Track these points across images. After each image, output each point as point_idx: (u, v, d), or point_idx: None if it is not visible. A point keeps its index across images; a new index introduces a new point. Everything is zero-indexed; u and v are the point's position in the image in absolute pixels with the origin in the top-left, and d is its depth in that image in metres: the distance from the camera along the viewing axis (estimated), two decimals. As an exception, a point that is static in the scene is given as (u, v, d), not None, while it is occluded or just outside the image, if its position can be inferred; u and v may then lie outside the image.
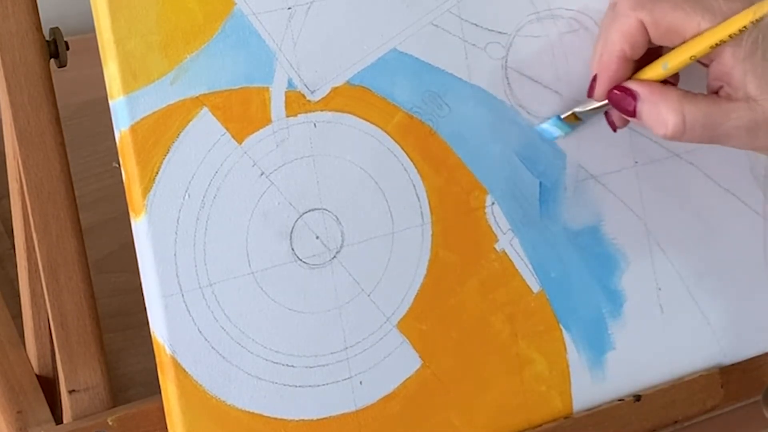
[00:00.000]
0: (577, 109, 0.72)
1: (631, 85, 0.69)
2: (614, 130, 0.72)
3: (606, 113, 0.72)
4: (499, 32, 0.72)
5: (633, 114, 0.69)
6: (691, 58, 0.67)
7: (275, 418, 0.68)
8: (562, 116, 0.72)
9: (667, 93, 0.68)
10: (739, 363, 0.78)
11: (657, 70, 0.68)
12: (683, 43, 0.67)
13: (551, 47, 0.73)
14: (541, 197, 0.73)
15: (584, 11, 0.74)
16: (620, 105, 0.69)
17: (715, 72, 0.68)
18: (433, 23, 0.71)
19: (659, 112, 0.68)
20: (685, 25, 0.67)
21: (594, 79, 0.70)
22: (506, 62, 0.72)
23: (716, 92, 0.68)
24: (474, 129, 0.71)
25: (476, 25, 0.72)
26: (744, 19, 0.65)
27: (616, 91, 0.69)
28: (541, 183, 0.73)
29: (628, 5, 0.68)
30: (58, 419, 0.73)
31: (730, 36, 0.65)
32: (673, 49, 0.68)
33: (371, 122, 0.69)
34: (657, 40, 0.68)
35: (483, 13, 0.71)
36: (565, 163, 0.73)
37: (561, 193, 0.73)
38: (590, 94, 0.70)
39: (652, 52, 0.69)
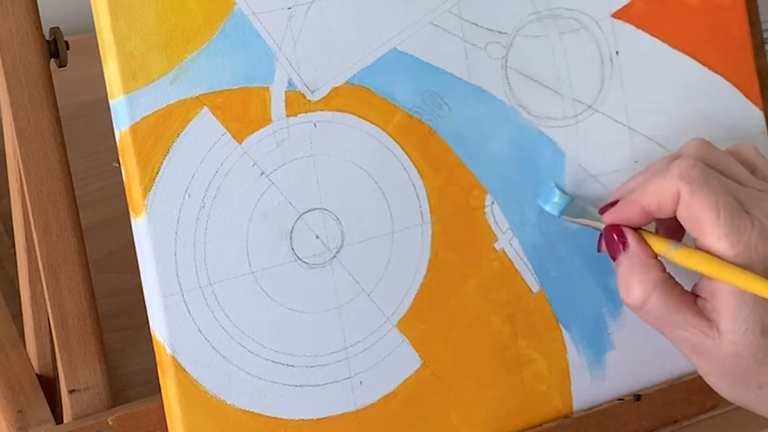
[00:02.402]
0: (580, 220, 0.72)
1: (629, 236, 0.68)
2: (598, 251, 0.71)
3: (601, 235, 0.71)
4: (500, 32, 0.72)
5: (613, 258, 0.68)
6: (704, 271, 0.65)
7: (275, 418, 0.68)
8: (564, 213, 0.72)
9: (648, 269, 0.67)
10: (739, 363, 0.78)
11: (662, 246, 0.67)
12: (697, 248, 0.66)
13: (551, 47, 0.73)
14: (540, 197, 0.73)
15: (585, 11, 0.74)
16: (609, 243, 0.69)
17: (703, 284, 0.67)
18: (433, 23, 0.71)
19: (632, 278, 0.67)
20: (708, 231, 0.65)
21: (614, 203, 0.69)
22: (506, 62, 0.72)
23: (695, 296, 0.67)
24: (474, 129, 0.71)
25: (476, 25, 0.72)
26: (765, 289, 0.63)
27: (611, 230, 0.69)
28: (540, 183, 0.73)
29: (679, 171, 0.66)
30: (58, 419, 0.73)
31: (741, 287, 0.64)
32: (695, 242, 0.66)
33: (371, 122, 0.69)
34: (681, 220, 0.66)
35: (483, 12, 0.71)
36: (565, 163, 0.73)
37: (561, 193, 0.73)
38: (602, 211, 0.70)
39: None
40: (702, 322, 0.66)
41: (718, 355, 0.65)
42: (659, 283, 0.67)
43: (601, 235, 0.71)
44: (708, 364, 0.66)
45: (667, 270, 0.68)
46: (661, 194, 0.66)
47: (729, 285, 0.65)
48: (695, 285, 0.68)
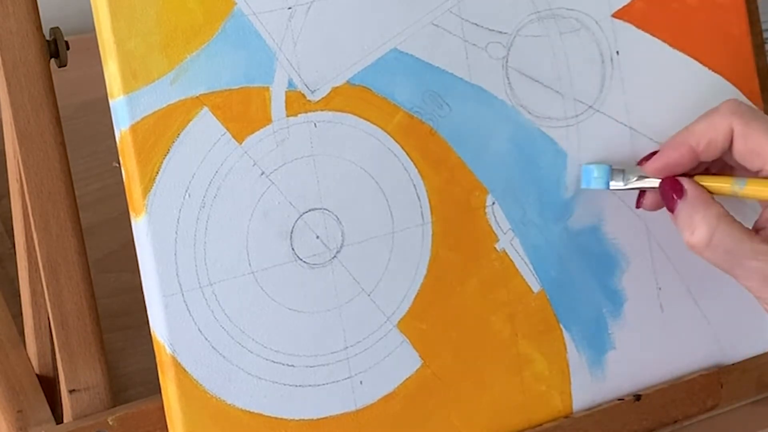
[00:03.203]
0: (632, 185, 0.71)
1: (685, 183, 0.68)
2: (637, 207, 0.71)
3: (641, 192, 0.71)
4: (500, 32, 0.72)
5: (671, 210, 0.68)
6: None
7: (275, 418, 0.68)
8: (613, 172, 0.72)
9: (709, 205, 0.67)
10: (739, 363, 0.78)
11: (725, 185, 0.68)
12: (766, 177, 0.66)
13: (552, 47, 0.73)
14: (541, 197, 0.73)
15: (585, 11, 0.74)
16: (665, 195, 0.69)
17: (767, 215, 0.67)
18: (434, 23, 0.71)
19: (694, 217, 0.67)
20: None
21: (654, 152, 0.69)
22: (507, 62, 0.72)
23: (756, 230, 0.67)
24: (474, 129, 0.71)
25: (477, 25, 0.72)
26: None
27: (668, 182, 0.69)
28: (541, 183, 0.73)
29: (729, 107, 0.66)
30: (58, 419, 0.73)
31: None
32: (754, 176, 0.66)
33: (371, 122, 0.69)
34: (738, 156, 0.67)
35: (483, 12, 0.71)
36: (566, 163, 0.73)
37: (561, 193, 0.73)
38: (641, 162, 0.70)
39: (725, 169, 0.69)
40: None
41: None
42: (722, 216, 0.67)
43: (641, 192, 0.70)
44: None
45: None
46: (711, 131, 0.66)
47: None
48: (756, 221, 0.68)
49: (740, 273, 0.67)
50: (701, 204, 0.67)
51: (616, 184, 0.72)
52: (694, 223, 0.67)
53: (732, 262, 0.67)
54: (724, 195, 0.68)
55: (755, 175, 0.69)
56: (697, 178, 0.69)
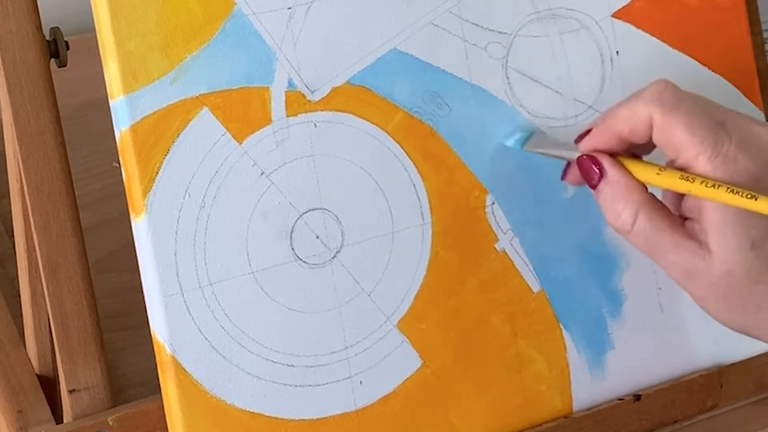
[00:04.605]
0: (545, 150, 0.70)
1: (605, 163, 0.67)
2: (562, 179, 0.70)
3: (567, 164, 0.70)
4: (500, 32, 0.72)
5: (593, 187, 0.67)
6: (683, 190, 0.64)
7: (275, 418, 0.68)
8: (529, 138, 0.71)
9: (632, 190, 0.66)
10: (739, 363, 0.78)
11: (648, 172, 0.66)
12: (681, 169, 0.64)
13: (552, 47, 0.73)
14: (541, 197, 0.73)
15: (585, 11, 0.74)
16: (586, 172, 0.67)
17: (690, 204, 0.66)
18: (434, 23, 0.71)
19: (616, 202, 0.66)
20: (684, 151, 0.64)
21: (588, 131, 0.68)
22: (507, 62, 0.72)
23: (683, 219, 0.66)
24: (474, 129, 0.71)
25: (476, 25, 0.72)
26: (752, 205, 0.62)
27: (586, 159, 0.67)
28: (541, 183, 0.73)
29: (651, 94, 0.65)
30: (58, 419, 0.73)
31: (723, 201, 0.63)
32: (674, 162, 0.65)
33: (371, 122, 0.69)
34: (657, 143, 0.66)
35: (483, 12, 0.71)
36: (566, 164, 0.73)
37: (561, 193, 0.73)
38: (577, 141, 0.68)
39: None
40: (692, 244, 0.64)
41: (711, 276, 0.64)
42: (645, 203, 0.65)
43: (567, 163, 0.69)
44: (702, 288, 0.65)
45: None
46: (633, 119, 0.65)
47: (713, 202, 0.63)
48: (681, 208, 0.66)
49: (663, 264, 0.66)
50: (622, 189, 0.66)
51: (529, 148, 0.71)
52: (616, 208, 0.66)
53: (654, 253, 0.66)
54: (646, 181, 0.66)
55: (671, 164, 0.67)
56: (622, 158, 0.67)
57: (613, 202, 0.66)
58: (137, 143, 0.66)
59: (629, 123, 0.66)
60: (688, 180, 0.64)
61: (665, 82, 0.66)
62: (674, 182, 0.64)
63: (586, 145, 0.68)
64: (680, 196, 0.67)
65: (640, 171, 0.66)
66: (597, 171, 0.67)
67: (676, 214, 0.67)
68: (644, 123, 0.65)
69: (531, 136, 0.72)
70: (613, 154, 0.67)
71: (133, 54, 0.66)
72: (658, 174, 0.65)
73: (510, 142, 0.72)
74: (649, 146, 0.67)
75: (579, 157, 0.68)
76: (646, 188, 0.66)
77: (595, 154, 0.67)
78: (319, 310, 0.69)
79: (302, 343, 0.69)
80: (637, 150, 0.68)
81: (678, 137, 0.64)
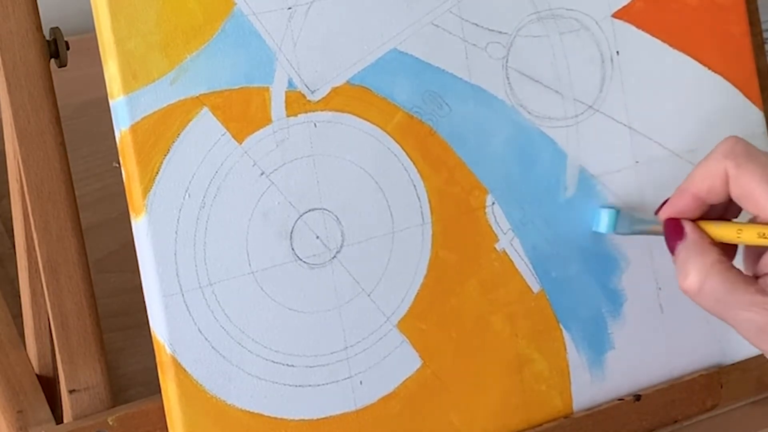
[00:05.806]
0: (637, 227, 0.72)
1: (686, 225, 0.67)
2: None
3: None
4: (500, 32, 0.72)
5: (671, 250, 0.68)
6: (762, 244, 0.65)
7: (275, 418, 0.68)
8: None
9: (705, 252, 0.66)
10: (739, 363, 0.78)
11: (730, 232, 0.67)
12: (764, 223, 0.65)
13: (552, 47, 0.73)
14: (541, 197, 0.73)
15: (585, 11, 0.74)
16: (667, 236, 0.68)
17: (766, 261, 0.66)
18: (434, 23, 0.71)
19: (687, 263, 0.66)
20: (762, 202, 0.64)
21: (666, 201, 0.69)
22: (507, 62, 0.72)
23: (757, 276, 0.66)
24: (474, 129, 0.71)
25: (477, 25, 0.72)
26: None
27: (668, 222, 0.68)
28: (541, 183, 0.73)
29: (722, 150, 0.65)
30: (58, 419, 0.73)
31: None
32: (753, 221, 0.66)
33: (371, 122, 0.69)
34: (736, 200, 0.66)
35: (483, 12, 0.71)
36: (566, 163, 0.73)
37: (561, 193, 0.73)
38: (657, 211, 0.69)
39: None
40: (766, 300, 0.64)
41: None
42: (716, 264, 0.65)
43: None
44: None
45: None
46: (708, 177, 0.66)
47: None
48: (757, 266, 0.66)
49: (734, 323, 0.65)
50: (695, 251, 0.66)
51: (623, 231, 0.72)
52: (687, 269, 0.66)
53: (725, 312, 0.65)
54: (729, 240, 0.67)
55: (754, 220, 0.67)
56: (701, 222, 0.68)
57: (685, 264, 0.66)
58: (137, 143, 0.66)
59: (705, 182, 0.66)
60: (764, 237, 0.64)
61: (735, 138, 0.66)
62: (753, 239, 0.65)
63: (665, 212, 0.68)
64: (761, 253, 0.67)
65: (722, 232, 0.67)
66: (675, 234, 0.67)
67: (755, 270, 0.67)
68: (720, 179, 0.65)
69: (618, 217, 0.72)
70: (696, 219, 0.68)
71: (133, 54, 0.66)
72: (738, 233, 0.66)
73: (602, 229, 0.72)
74: (734, 208, 0.67)
75: (666, 220, 0.68)
76: (721, 251, 0.66)
77: (676, 219, 0.68)
78: (319, 310, 0.69)
79: (302, 343, 0.69)
80: (725, 213, 0.69)
81: (754, 188, 0.64)
